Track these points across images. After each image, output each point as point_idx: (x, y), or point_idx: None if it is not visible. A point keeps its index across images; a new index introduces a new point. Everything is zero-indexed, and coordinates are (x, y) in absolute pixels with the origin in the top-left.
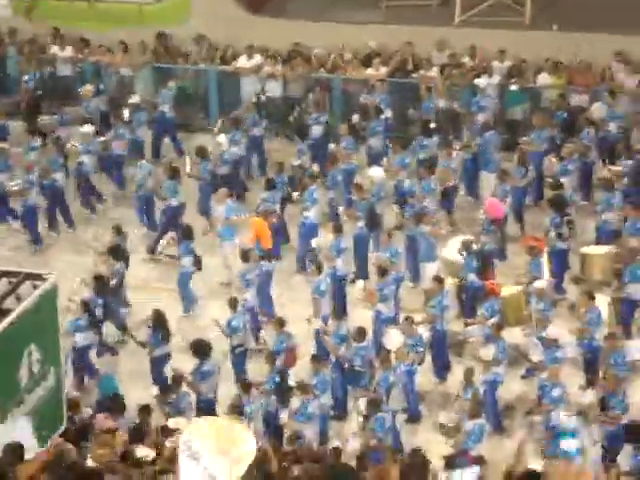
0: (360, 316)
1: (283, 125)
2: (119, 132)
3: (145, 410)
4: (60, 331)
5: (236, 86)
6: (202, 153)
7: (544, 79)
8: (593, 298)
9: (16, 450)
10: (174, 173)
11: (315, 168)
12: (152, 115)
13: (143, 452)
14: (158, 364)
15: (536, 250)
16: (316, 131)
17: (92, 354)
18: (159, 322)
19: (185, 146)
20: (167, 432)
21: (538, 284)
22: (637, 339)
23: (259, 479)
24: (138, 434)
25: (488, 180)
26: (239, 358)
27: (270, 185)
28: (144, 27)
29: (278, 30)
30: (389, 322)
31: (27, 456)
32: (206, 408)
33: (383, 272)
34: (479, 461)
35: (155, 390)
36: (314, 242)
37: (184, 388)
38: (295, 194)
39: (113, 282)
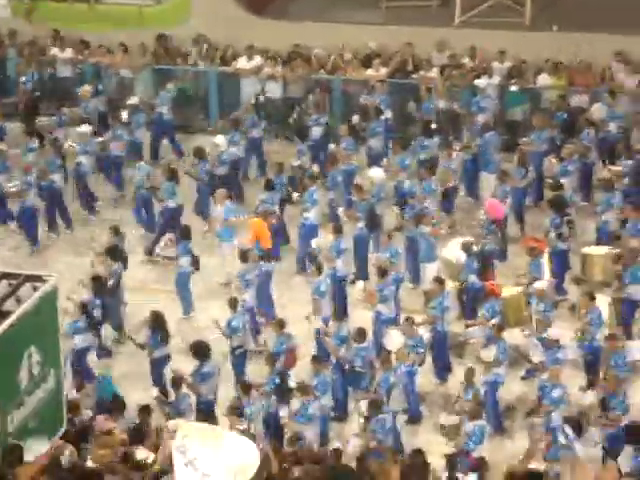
0: (360, 317)
1: (283, 126)
2: (117, 133)
3: (145, 411)
4: (60, 333)
5: (236, 87)
6: (200, 154)
7: (544, 80)
8: (594, 299)
9: (15, 451)
10: (172, 174)
11: (315, 169)
12: (150, 117)
13: (143, 454)
14: (158, 366)
15: (536, 251)
16: (316, 132)
17: (90, 356)
18: (158, 323)
19: (185, 147)
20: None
21: (538, 285)
22: (638, 340)
23: None
24: (138, 435)
25: (488, 181)
26: (239, 359)
27: (269, 186)
28: (144, 29)
29: (278, 31)
30: (389, 323)
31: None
32: (206, 409)
33: (383, 273)
34: (480, 462)
35: (155, 392)
36: (314, 243)
37: (184, 389)
38: (295, 195)
39: (110, 282)
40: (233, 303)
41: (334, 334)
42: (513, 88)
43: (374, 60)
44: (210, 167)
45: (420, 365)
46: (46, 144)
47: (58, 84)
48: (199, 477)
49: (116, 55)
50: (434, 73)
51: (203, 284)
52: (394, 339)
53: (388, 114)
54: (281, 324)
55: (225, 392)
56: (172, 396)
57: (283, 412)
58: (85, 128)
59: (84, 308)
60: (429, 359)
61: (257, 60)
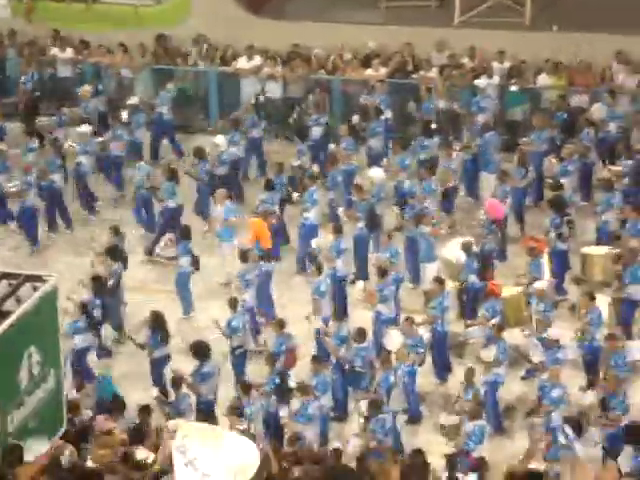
0: (360, 317)
1: (283, 126)
2: (117, 133)
3: (145, 411)
4: (60, 333)
5: (236, 87)
6: (199, 154)
7: (544, 80)
8: (594, 299)
9: (15, 451)
10: (172, 174)
11: (315, 169)
12: (150, 117)
13: (143, 454)
14: (158, 366)
15: (536, 251)
16: (316, 132)
17: (90, 356)
18: (158, 323)
19: (185, 147)
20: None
21: (538, 285)
22: (638, 340)
23: None
24: (138, 435)
25: (488, 181)
26: (239, 359)
27: (269, 186)
28: (143, 29)
29: (278, 31)
30: (389, 323)
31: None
32: (206, 410)
33: (383, 273)
34: (480, 462)
35: (155, 392)
36: (314, 243)
37: (184, 389)
38: (295, 195)
39: (110, 282)
40: (233, 303)
41: (334, 334)
42: (513, 88)
43: (374, 60)
44: (210, 167)
45: (420, 365)
46: (46, 144)
47: (58, 84)
48: (199, 477)
49: (116, 55)
50: (434, 73)
51: (203, 284)
52: (394, 339)
53: (388, 114)
54: (281, 324)
55: (225, 392)
56: (172, 396)
57: (283, 412)
58: (85, 128)
59: (84, 308)
60: (429, 359)
61: (257, 60)
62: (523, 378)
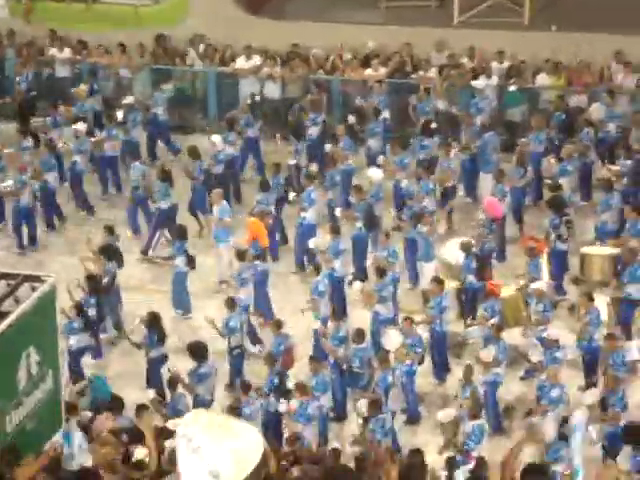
0: (359, 317)
1: (280, 126)
2: (112, 133)
3: (142, 410)
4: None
5: (235, 87)
6: (195, 153)
7: (543, 80)
8: (592, 299)
9: (13, 452)
10: (165, 176)
11: (313, 169)
12: (146, 117)
13: (142, 452)
14: (155, 365)
15: (535, 251)
16: (313, 132)
17: (85, 357)
18: (154, 323)
19: (183, 147)
20: (166, 433)
21: (537, 285)
22: (637, 339)
23: None
24: (136, 435)
25: (486, 181)
26: (237, 359)
27: (265, 186)
28: (142, 29)
29: (277, 31)
30: (388, 323)
31: None
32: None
33: (381, 273)
34: (480, 462)
35: (151, 393)
36: (312, 243)
37: (180, 390)
38: (292, 194)
39: (105, 281)
40: (230, 303)
41: (332, 335)
42: (512, 88)
43: (373, 60)
44: (207, 167)
45: (419, 364)
46: (41, 145)
47: (56, 84)
48: (204, 466)
49: (114, 55)
50: (433, 73)
51: (200, 283)
52: (392, 339)
53: (386, 114)
54: (279, 325)
55: (223, 392)
56: (169, 396)
57: (282, 407)
58: (80, 126)
59: (79, 309)
60: (428, 359)
61: (256, 60)
62: (522, 378)
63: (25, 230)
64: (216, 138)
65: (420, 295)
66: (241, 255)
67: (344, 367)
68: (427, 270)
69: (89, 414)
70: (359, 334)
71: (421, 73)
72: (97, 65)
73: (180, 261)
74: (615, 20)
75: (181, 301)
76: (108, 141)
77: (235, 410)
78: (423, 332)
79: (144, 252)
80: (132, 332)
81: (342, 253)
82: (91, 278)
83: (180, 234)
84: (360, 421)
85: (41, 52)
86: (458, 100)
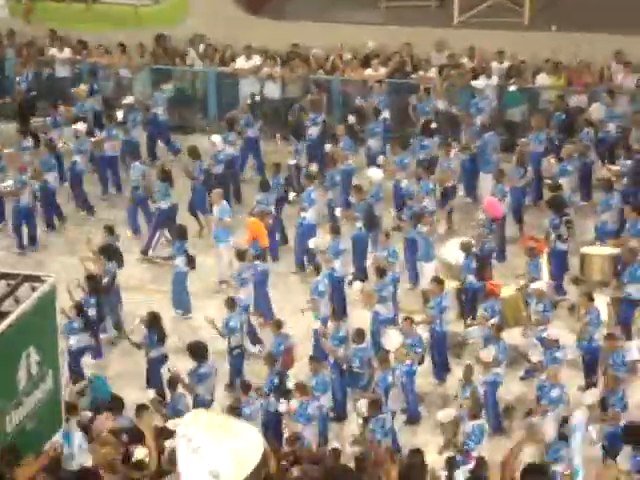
0: (359, 316)
1: (280, 126)
2: (112, 133)
3: (142, 410)
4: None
5: (235, 87)
6: (195, 153)
7: (543, 80)
8: (592, 300)
9: (13, 452)
10: (165, 176)
11: (313, 168)
12: (147, 117)
13: (142, 452)
14: (155, 365)
15: (535, 251)
16: (313, 132)
17: (85, 357)
18: (154, 323)
19: (183, 148)
20: (166, 433)
21: (537, 285)
22: (637, 339)
23: None
24: (137, 435)
25: (486, 181)
26: (237, 359)
27: (265, 186)
28: (142, 29)
29: (277, 31)
30: (388, 323)
31: None
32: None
33: (382, 273)
34: (480, 462)
35: (151, 394)
36: (312, 243)
37: (180, 390)
38: (292, 194)
39: (105, 281)
40: (230, 303)
41: (332, 335)
42: (512, 88)
43: (373, 60)
44: (207, 167)
45: (419, 364)
46: (41, 145)
47: (56, 84)
48: (204, 466)
49: (114, 55)
50: (433, 73)
51: (200, 283)
52: (392, 339)
53: (386, 114)
54: (279, 325)
55: (223, 392)
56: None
57: (282, 407)
58: (80, 126)
59: (79, 309)
60: (428, 359)
61: (256, 60)
62: (522, 378)
63: (25, 230)
64: (216, 138)
65: (420, 295)
66: (241, 255)
67: (344, 367)
68: (427, 270)
69: (89, 414)
70: (359, 334)
71: (421, 73)
72: (97, 65)
73: (180, 261)
74: (615, 20)
75: (181, 301)
76: (108, 141)
77: (235, 410)
78: (423, 332)
79: (144, 252)
80: (132, 332)
81: (342, 253)
82: (91, 278)
83: (180, 234)
84: (360, 421)
85: (41, 52)
86: (458, 100)
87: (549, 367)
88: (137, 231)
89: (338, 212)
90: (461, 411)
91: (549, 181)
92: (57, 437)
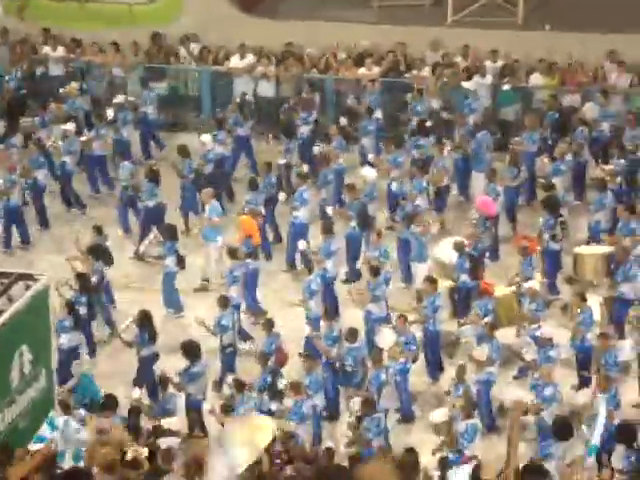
0: (352, 316)
1: (274, 125)
2: (101, 132)
3: (134, 411)
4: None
5: (229, 86)
6: (185, 152)
7: (536, 79)
8: (585, 299)
9: (6, 451)
10: (153, 175)
11: (305, 168)
12: (137, 116)
13: (137, 452)
14: (146, 364)
15: (528, 250)
16: (305, 131)
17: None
18: (145, 322)
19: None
20: (160, 433)
21: (529, 284)
22: (630, 339)
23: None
24: (133, 434)
25: (479, 180)
26: (229, 357)
27: (253, 186)
28: (136, 27)
29: (271, 30)
30: (380, 322)
31: None
32: (194, 409)
33: (375, 272)
34: (479, 465)
35: (136, 393)
36: (300, 245)
37: (171, 389)
38: (281, 195)
39: (93, 280)
40: (222, 302)
41: (325, 335)
42: (505, 87)
43: (366, 59)
44: (197, 166)
45: (413, 362)
46: (30, 144)
47: (49, 83)
48: (226, 462)
49: (108, 54)
50: (426, 72)
51: (190, 283)
52: (386, 337)
53: (379, 114)
54: (270, 324)
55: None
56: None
57: (274, 406)
58: (69, 126)
59: (70, 307)
60: (421, 358)
61: (250, 59)
62: (515, 377)
63: (15, 229)
64: (205, 137)
65: (413, 295)
66: (233, 253)
67: (337, 365)
68: (420, 271)
69: (82, 412)
70: (352, 333)
71: (415, 72)
72: (89, 64)
73: (170, 261)
74: (608, 20)
75: (171, 300)
76: (97, 140)
77: (228, 408)
78: (416, 331)
79: (135, 251)
80: (124, 331)
81: (334, 253)
82: (81, 276)
83: (171, 234)
84: (351, 419)
85: (34, 50)
86: (451, 100)
87: (543, 366)
88: (128, 230)
89: (329, 210)
90: (454, 411)
91: (543, 180)
92: (42, 429)
